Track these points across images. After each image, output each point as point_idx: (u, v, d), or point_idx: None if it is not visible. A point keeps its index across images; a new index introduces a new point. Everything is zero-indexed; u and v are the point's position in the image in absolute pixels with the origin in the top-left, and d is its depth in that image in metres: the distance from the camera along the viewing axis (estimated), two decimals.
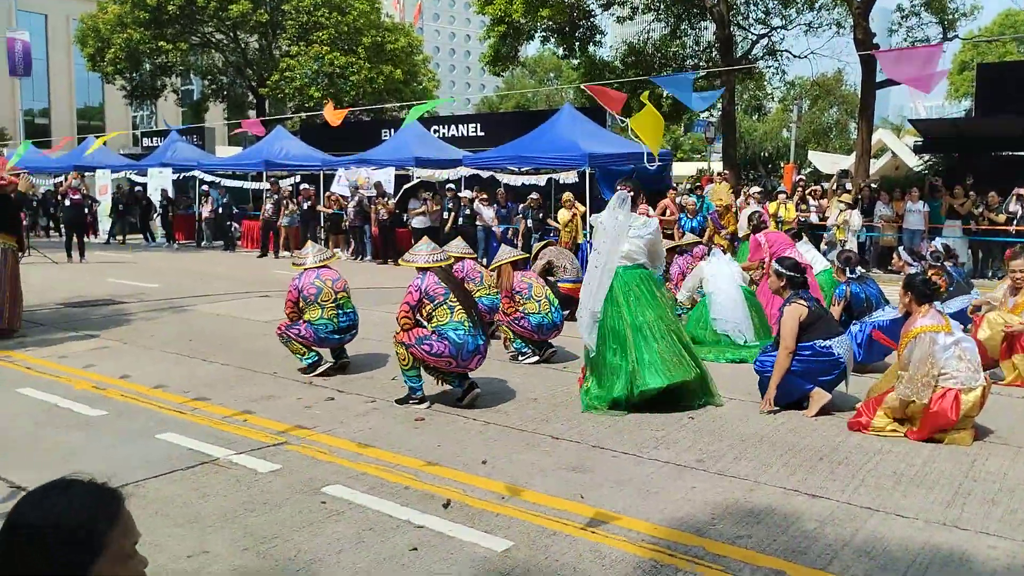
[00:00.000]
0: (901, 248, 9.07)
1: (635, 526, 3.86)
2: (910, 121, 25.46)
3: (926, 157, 22.12)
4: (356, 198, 18.04)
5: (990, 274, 14.68)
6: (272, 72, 30.96)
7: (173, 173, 22.08)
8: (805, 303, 5.88)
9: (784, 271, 6.17)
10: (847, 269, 7.52)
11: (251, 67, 32.92)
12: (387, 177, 18.26)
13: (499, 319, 7.63)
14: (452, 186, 17.33)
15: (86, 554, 1.50)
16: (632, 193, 6.17)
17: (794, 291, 6.05)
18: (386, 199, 17.42)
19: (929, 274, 7.93)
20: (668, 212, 15.17)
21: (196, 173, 21.70)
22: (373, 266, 17.08)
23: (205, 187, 21.25)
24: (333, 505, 4.10)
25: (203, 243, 21.33)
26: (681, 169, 30.20)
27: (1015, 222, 14.51)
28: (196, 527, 3.84)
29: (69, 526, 1.50)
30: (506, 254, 7.71)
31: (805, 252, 8.96)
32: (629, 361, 5.81)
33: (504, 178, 16.77)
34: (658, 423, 5.58)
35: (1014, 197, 14.70)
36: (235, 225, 20.81)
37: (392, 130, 22.66)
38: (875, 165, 24.44)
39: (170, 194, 21.63)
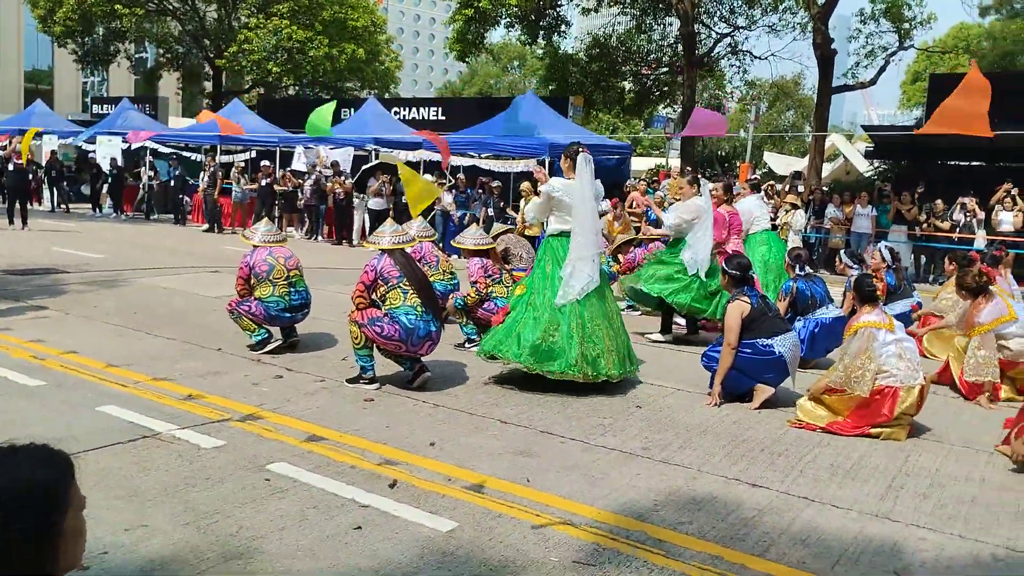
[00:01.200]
0: (843, 252, 9.30)
1: (579, 510, 3.90)
2: (863, 127, 26.04)
3: (876, 163, 22.64)
4: (313, 176, 17.79)
5: (931, 278, 15.15)
6: (229, 44, 30.28)
7: (123, 142, 21.50)
8: (748, 300, 5.94)
9: (728, 270, 6.25)
10: (796, 266, 7.66)
11: (208, 38, 32.13)
12: (345, 156, 18.04)
13: (457, 295, 7.69)
14: None
15: (57, 509, 1.53)
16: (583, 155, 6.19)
17: (738, 288, 6.12)
18: (343, 178, 17.20)
19: (871, 270, 8.18)
20: (635, 204, 15.27)
21: (147, 143, 21.16)
22: (327, 245, 16.89)
23: (150, 158, 20.70)
24: (277, 483, 4.06)
25: (152, 216, 20.84)
26: (640, 164, 30.44)
27: (958, 230, 15.00)
28: (136, 500, 3.77)
29: (35, 488, 1.52)
30: (470, 238, 7.73)
31: (756, 209, 9.68)
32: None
33: (483, 164, 16.73)
34: (606, 411, 5.64)
35: (958, 206, 15.18)
36: (186, 199, 20.35)
37: (352, 109, 22.40)
38: (827, 169, 24.93)
39: (119, 163, 21.05)
